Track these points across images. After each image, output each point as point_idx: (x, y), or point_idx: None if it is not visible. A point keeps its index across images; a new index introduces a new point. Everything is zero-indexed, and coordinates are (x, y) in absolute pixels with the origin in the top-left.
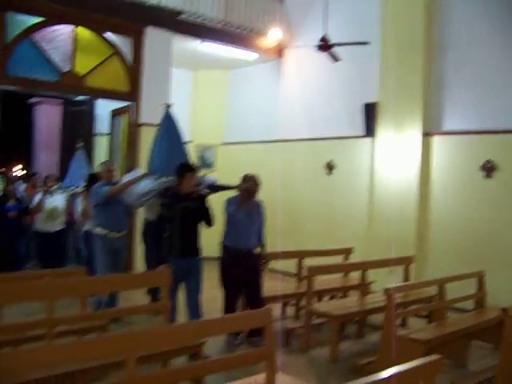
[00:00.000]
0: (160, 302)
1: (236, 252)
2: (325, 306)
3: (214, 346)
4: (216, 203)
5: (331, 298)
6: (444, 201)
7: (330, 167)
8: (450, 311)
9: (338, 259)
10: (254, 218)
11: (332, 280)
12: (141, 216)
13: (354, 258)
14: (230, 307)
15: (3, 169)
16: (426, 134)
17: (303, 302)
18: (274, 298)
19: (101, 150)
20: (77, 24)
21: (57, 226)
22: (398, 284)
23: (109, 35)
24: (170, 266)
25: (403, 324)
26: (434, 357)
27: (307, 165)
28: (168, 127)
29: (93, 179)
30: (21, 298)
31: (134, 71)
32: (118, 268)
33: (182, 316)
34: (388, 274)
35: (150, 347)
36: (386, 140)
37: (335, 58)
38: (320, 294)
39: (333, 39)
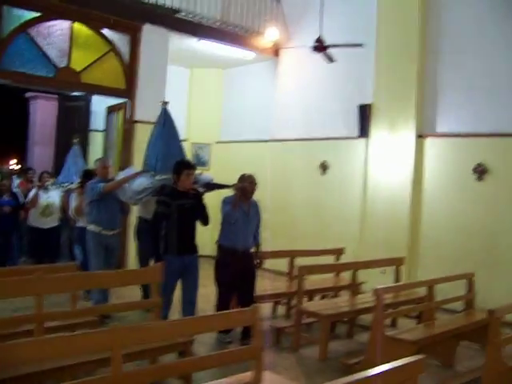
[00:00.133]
0: (151, 298)
1: (232, 251)
2: (315, 305)
3: (205, 343)
4: (211, 202)
5: (322, 298)
6: (436, 202)
7: (323, 167)
8: (441, 312)
9: (329, 259)
10: (251, 218)
11: (323, 280)
12: (134, 214)
13: (346, 259)
14: (223, 306)
15: None
16: (420, 136)
17: (294, 301)
18: (265, 297)
19: (96, 146)
20: (74, 20)
21: (51, 222)
22: (387, 285)
23: (106, 32)
24: (167, 263)
25: (393, 324)
26: (417, 357)
27: (301, 164)
28: (164, 124)
29: (88, 175)
30: (10, 293)
31: (130, 68)
32: (111, 265)
33: (176, 312)
34: (380, 275)
35: (136, 343)
36: (379, 141)
37: (330, 59)
38: (311, 294)
39: (328, 40)
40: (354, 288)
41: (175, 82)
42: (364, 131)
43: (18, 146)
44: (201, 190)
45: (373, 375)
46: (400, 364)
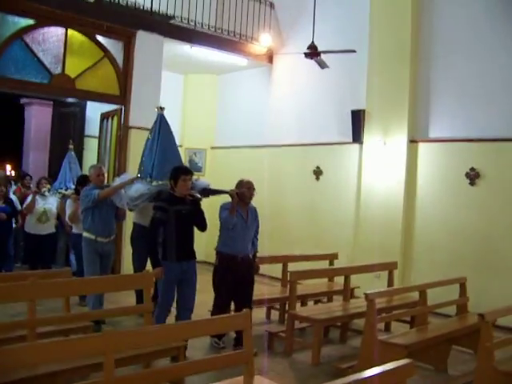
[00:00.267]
0: (143, 304)
1: (231, 258)
2: (307, 310)
3: (198, 348)
4: (208, 208)
5: (316, 303)
6: (429, 207)
7: (317, 173)
8: (435, 317)
9: (323, 264)
10: (249, 224)
11: (317, 285)
12: (131, 220)
13: (340, 263)
14: (219, 312)
15: None
16: (413, 141)
17: (288, 307)
18: (259, 302)
19: (91, 152)
20: (68, 27)
21: (48, 228)
22: (379, 289)
23: (100, 38)
24: (166, 269)
25: (387, 329)
26: (406, 360)
27: (295, 170)
28: (160, 130)
29: (83, 181)
30: (3, 298)
31: (124, 74)
32: (106, 272)
33: (172, 316)
34: (374, 279)
35: (128, 348)
36: (373, 146)
37: (323, 66)
38: (304, 299)
39: (322, 46)
40: (347, 293)
41: (170, 87)
42: (357, 136)
43: (13, 152)
44: (198, 195)
45: (362, 379)
46: (389, 368)
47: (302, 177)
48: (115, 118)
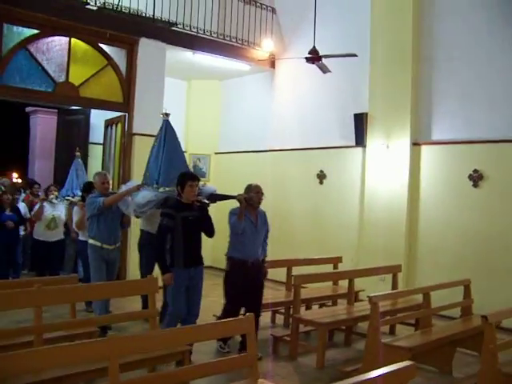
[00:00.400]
0: (148, 309)
1: (242, 263)
2: (312, 314)
3: (204, 352)
4: (215, 214)
5: (321, 307)
6: (433, 209)
7: (321, 177)
8: (439, 319)
9: (328, 268)
10: (259, 228)
11: (322, 289)
12: (133, 227)
13: (344, 267)
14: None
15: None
16: (415, 144)
17: (292, 310)
18: (264, 306)
19: (96, 159)
20: (71, 35)
21: (56, 235)
22: (383, 292)
23: (103, 46)
24: (174, 276)
25: (392, 332)
26: (408, 362)
27: (299, 174)
28: (166, 136)
29: (89, 188)
30: (10, 305)
31: (127, 82)
32: (111, 279)
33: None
34: (379, 282)
35: (133, 352)
36: (375, 149)
37: (324, 70)
38: (309, 303)
39: (323, 50)
40: (351, 296)
41: (173, 94)
42: (360, 140)
43: (18, 160)
44: (206, 201)
45: (363, 380)
46: (391, 369)
47: (305, 181)
48: (119, 125)
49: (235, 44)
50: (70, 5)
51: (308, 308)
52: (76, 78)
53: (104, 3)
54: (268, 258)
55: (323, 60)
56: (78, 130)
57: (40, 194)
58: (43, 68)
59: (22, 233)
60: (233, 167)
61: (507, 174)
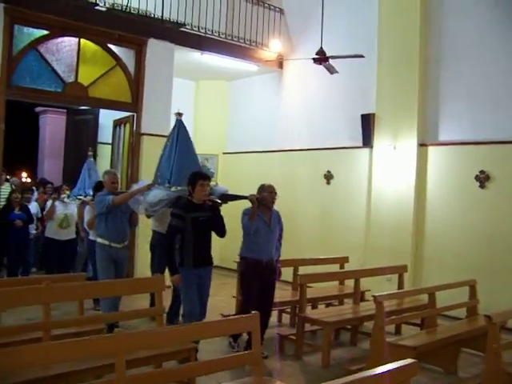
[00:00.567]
0: (154, 307)
1: (256, 263)
2: (317, 313)
3: (209, 351)
4: (225, 213)
5: (327, 306)
6: (440, 210)
7: (328, 177)
8: (446, 320)
9: (334, 268)
10: (272, 228)
11: (329, 288)
12: (142, 226)
13: (351, 267)
14: None
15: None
16: (422, 145)
17: (298, 309)
18: None
19: (104, 158)
20: (80, 36)
21: (69, 234)
22: (387, 292)
23: (112, 47)
24: (184, 276)
25: (398, 332)
26: (409, 360)
27: (306, 174)
28: (179, 136)
29: (100, 187)
30: (19, 302)
31: (136, 82)
32: (120, 277)
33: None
34: (386, 282)
35: (139, 348)
36: (383, 150)
37: (332, 71)
38: (315, 302)
39: (331, 51)
40: (356, 296)
41: (181, 94)
42: (367, 140)
43: (28, 160)
44: (218, 200)
45: (365, 377)
46: (393, 367)
47: (312, 181)
48: (127, 125)
49: (243, 45)
50: (80, 6)
51: (314, 307)
52: (85, 78)
53: (113, 4)
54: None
55: (330, 61)
56: (86, 130)
57: (51, 193)
58: (53, 68)
59: (33, 232)
60: (240, 167)
61: None
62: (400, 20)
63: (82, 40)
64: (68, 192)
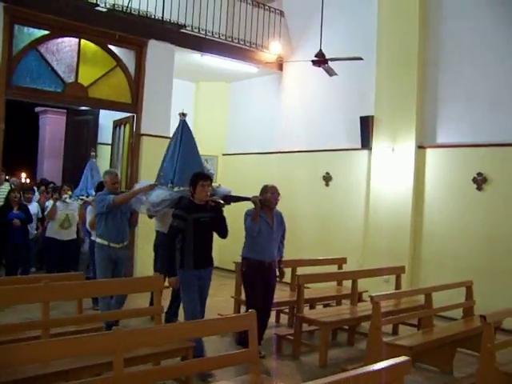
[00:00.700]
0: (153, 306)
1: (258, 264)
2: (315, 313)
3: (207, 350)
4: (230, 215)
5: (325, 307)
6: (437, 212)
7: (327, 179)
8: (442, 320)
9: (333, 269)
10: (275, 229)
11: (327, 289)
12: (142, 226)
13: (349, 268)
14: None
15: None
16: (420, 147)
17: (296, 309)
18: None
19: (104, 159)
20: (81, 37)
21: (70, 234)
22: (384, 292)
23: (112, 47)
24: (184, 277)
25: (395, 332)
26: (403, 358)
27: (305, 176)
28: (182, 136)
29: (103, 188)
30: (17, 300)
31: (136, 83)
32: (119, 277)
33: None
34: (383, 283)
35: (137, 346)
36: (381, 152)
37: (331, 73)
38: (313, 303)
39: (330, 54)
40: (354, 296)
41: (181, 95)
42: (366, 142)
43: (27, 160)
44: (221, 201)
45: (359, 374)
46: (387, 364)
47: (311, 182)
48: (127, 126)
49: (243, 46)
50: (80, 6)
51: (312, 308)
52: (85, 78)
53: (113, 5)
54: None
55: (329, 63)
56: (86, 131)
57: (52, 193)
58: (53, 69)
59: (33, 232)
60: (240, 168)
61: (511, 178)
62: (399, 23)
63: (82, 40)
64: (70, 192)
